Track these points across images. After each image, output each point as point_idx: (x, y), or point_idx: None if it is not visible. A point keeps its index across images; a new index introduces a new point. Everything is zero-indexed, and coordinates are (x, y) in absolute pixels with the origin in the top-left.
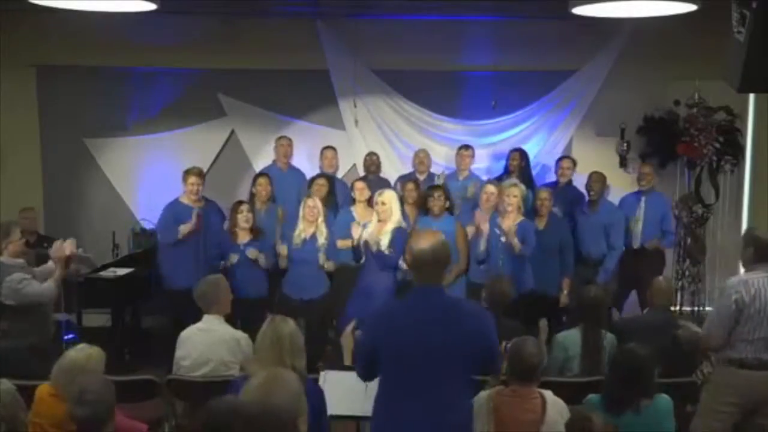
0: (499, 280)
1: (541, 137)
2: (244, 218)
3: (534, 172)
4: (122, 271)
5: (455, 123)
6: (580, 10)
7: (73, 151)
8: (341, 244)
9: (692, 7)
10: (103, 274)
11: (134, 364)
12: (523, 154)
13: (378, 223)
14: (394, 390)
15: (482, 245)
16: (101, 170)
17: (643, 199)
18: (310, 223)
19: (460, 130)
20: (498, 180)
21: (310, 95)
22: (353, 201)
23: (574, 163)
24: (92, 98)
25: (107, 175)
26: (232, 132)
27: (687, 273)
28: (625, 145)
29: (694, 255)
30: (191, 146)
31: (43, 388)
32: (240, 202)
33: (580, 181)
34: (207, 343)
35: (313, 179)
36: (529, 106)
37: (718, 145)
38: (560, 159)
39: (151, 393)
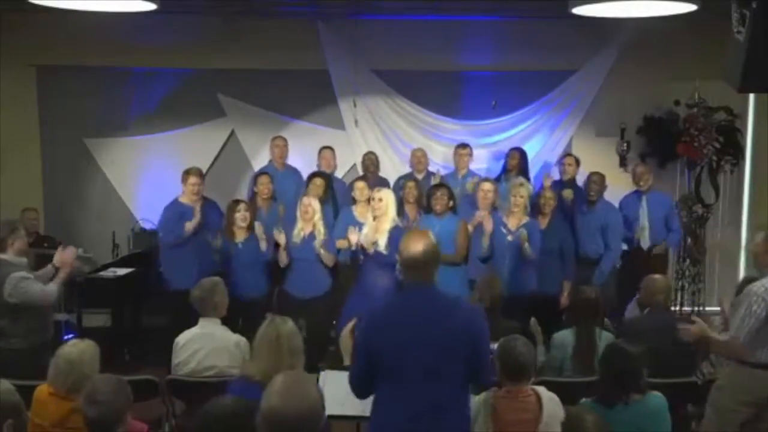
0: (490, 282)
1: (541, 137)
2: (241, 217)
3: (534, 172)
4: (122, 271)
5: (455, 123)
6: (580, 10)
7: (73, 151)
8: (339, 244)
9: (692, 7)
10: (103, 274)
11: (134, 364)
12: (522, 153)
13: (374, 222)
14: (392, 389)
15: (485, 243)
16: (101, 170)
17: (644, 198)
18: (307, 221)
19: (460, 130)
20: (497, 180)
21: (310, 95)
22: (354, 201)
23: (577, 160)
24: (92, 98)
25: (107, 175)
26: (232, 132)
27: (687, 273)
28: (625, 145)
29: (694, 255)
30: (191, 146)
31: (42, 389)
32: (237, 201)
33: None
34: (207, 350)
35: (310, 178)
36: (529, 106)
37: (718, 145)
38: (563, 157)
39: (151, 393)
